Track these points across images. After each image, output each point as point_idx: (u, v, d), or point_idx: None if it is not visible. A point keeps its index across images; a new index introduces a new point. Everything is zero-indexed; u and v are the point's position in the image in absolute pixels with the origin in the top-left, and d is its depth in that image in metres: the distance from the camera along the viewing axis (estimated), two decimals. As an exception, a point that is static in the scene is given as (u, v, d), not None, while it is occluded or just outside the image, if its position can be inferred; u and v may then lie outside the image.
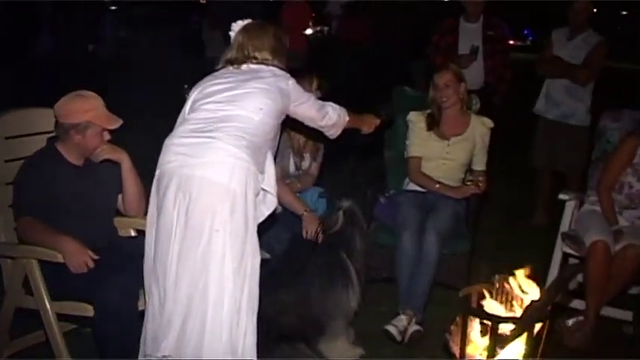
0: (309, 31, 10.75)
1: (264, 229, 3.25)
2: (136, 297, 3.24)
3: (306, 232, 3.97)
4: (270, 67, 3.23)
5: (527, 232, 6.01)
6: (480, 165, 4.52)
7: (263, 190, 3.10)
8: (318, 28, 14.72)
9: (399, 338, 3.95)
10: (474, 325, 2.92)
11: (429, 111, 4.54)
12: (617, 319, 4.25)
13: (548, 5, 12.55)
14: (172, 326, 2.88)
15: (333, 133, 3.53)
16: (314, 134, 3.74)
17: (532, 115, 6.18)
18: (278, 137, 3.28)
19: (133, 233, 3.73)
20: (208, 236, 2.84)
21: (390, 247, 4.28)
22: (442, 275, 4.20)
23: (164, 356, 2.89)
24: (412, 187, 4.58)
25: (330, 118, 3.42)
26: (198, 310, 2.86)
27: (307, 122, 3.41)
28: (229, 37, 3.39)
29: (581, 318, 4.10)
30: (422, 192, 4.49)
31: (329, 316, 3.67)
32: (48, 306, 3.23)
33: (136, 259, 3.12)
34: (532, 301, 2.88)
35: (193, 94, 3.18)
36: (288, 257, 3.84)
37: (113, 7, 17.78)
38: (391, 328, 3.96)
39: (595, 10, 6.13)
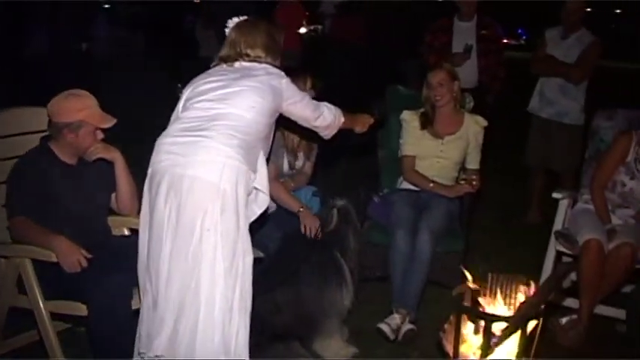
0: (302, 30, 10.75)
1: (257, 227, 3.24)
2: (130, 296, 3.24)
3: (305, 229, 3.96)
4: (264, 65, 3.21)
5: (521, 230, 6.01)
6: (473, 164, 4.53)
7: (255, 188, 3.09)
8: (312, 28, 14.73)
9: (392, 337, 3.95)
10: (468, 324, 2.93)
11: (422, 110, 4.55)
12: (610, 318, 4.25)
13: (542, 4, 12.56)
14: (165, 324, 2.88)
15: (327, 134, 3.52)
16: (308, 134, 3.73)
17: (526, 114, 6.19)
18: (272, 136, 3.27)
19: (126, 232, 3.72)
20: (199, 235, 2.84)
21: (383, 246, 4.28)
22: (436, 274, 4.20)
23: (157, 356, 2.89)
24: (406, 185, 4.58)
25: (325, 118, 3.40)
26: (191, 310, 2.85)
27: (301, 122, 3.39)
28: (223, 36, 3.38)
29: (574, 316, 4.11)
30: (415, 191, 4.50)
31: (323, 314, 3.68)
32: (41, 305, 3.23)
33: (130, 258, 3.11)
34: (525, 300, 2.89)
35: (186, 92, 3.18)
36: (282, 256, 3.83)
37: (106, 6, 17.75)
38: (384, 327, 3.97)
39: (589, 9, 6.15)
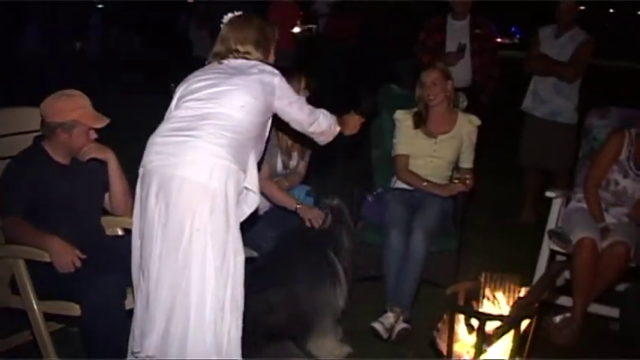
0: (296, 30, 10.72)
1: (247, 227, 3.23)
2: (124, 296, 3.24)
3: (309, 222, 3.96)
4: (256, 62, 3.18)
5: (515, 229, 6.02)
6: (467, 163, 4.53)
7: (246, 188, 3.06)
8: (306, 27, 14.72)
9: (385, 336, 3.95)
10: (461, 323, 2.93)
11: (416, 109, 4.54)
12: (604, 316, 4.25)
13: (536, 3, 12.58)
14: (157, 323, 2.86)
15: (322, 140, 3.48)
16: (301, 137, 3.69)
17: (520, 113, 6.20)
18: (266, 136, 3.23)
19: (120, 232, 3.71)
20: (189, 236, 2.83)
21: (377, 246, 4.28)
22: (430, 273, 4.21)
23: (148, 356, 2.88)
24: (399, 185, 4.58)
25: (320, 125, 3.36)
26: (182, 310, 2.84)
27: (295, 125, 3.33)
28: (217, 36, 3.36)
29: (568, 315, 4.12)
30: (409, 190, 4.50)
31: (317, 314, 3.67)
32: (35, 306, 3.22)
33: (124, 258, 3.10)
34: (519, 299, 2.89)
35: (179, 90, 3.15)
36: (276, 256, 3.83)
37: (100, 6, 17.72)
38: (378, 326, 3.97)
39: (582, 7, 6.16)
